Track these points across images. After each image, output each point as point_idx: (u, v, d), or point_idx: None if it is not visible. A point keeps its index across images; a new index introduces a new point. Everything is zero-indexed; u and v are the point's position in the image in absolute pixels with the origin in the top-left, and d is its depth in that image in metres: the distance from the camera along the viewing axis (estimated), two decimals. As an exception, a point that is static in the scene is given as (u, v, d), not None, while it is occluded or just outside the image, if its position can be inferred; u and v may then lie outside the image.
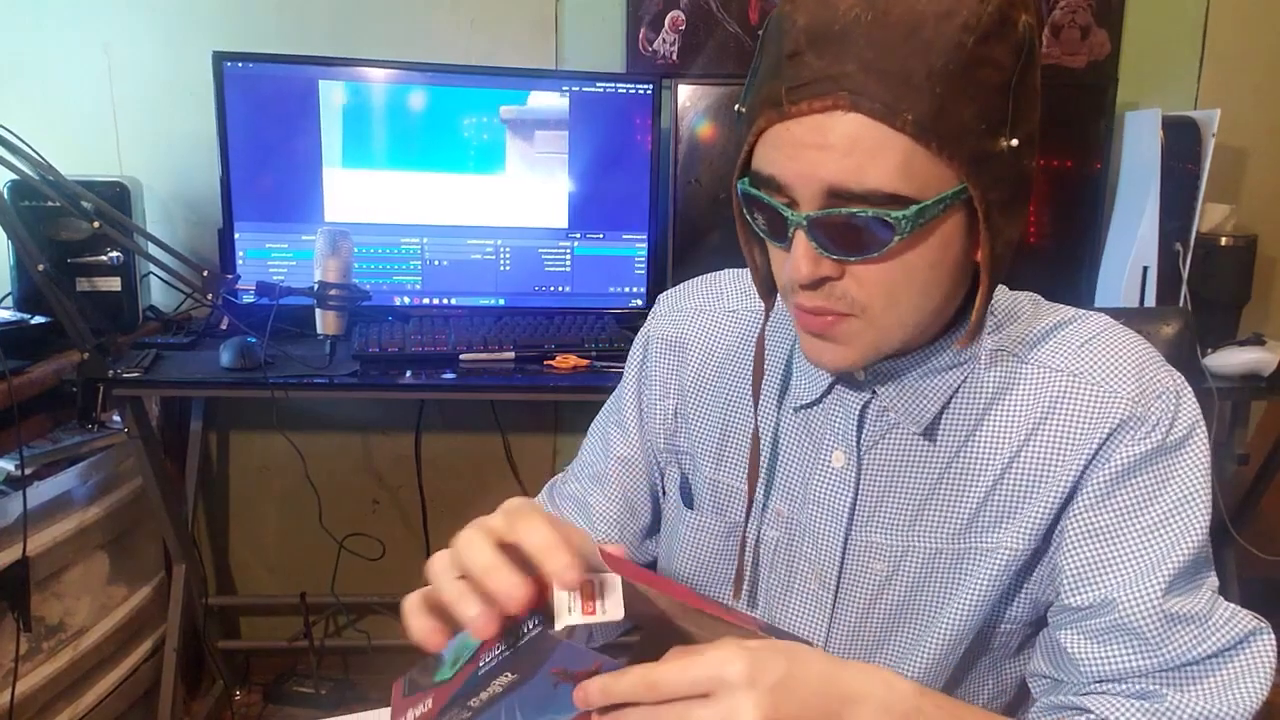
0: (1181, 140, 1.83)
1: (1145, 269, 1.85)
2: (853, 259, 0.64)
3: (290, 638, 2.14)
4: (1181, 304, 1.80)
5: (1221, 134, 1.79)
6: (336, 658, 2.22)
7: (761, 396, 0.82)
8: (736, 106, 0.68)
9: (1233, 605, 0.71)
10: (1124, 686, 0.71)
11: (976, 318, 0.70)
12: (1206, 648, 0.69)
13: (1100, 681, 0.72)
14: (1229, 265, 1.86)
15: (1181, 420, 0.71)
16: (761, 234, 0.69)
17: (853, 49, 0.59)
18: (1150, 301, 1.86)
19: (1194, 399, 0.73)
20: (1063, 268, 1.95)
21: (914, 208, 0.61)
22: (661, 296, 0.93)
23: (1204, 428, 0.72)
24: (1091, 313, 0.78)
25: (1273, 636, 0.70)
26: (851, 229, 0.63)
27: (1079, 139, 1.93)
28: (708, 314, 0.88)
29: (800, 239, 0.64)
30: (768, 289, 0.75)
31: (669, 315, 0.90)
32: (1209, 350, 1.78)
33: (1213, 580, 0.72)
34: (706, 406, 0.86)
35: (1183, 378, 0.74)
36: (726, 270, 0.91)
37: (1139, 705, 0.69)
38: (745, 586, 0.83)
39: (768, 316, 0.77)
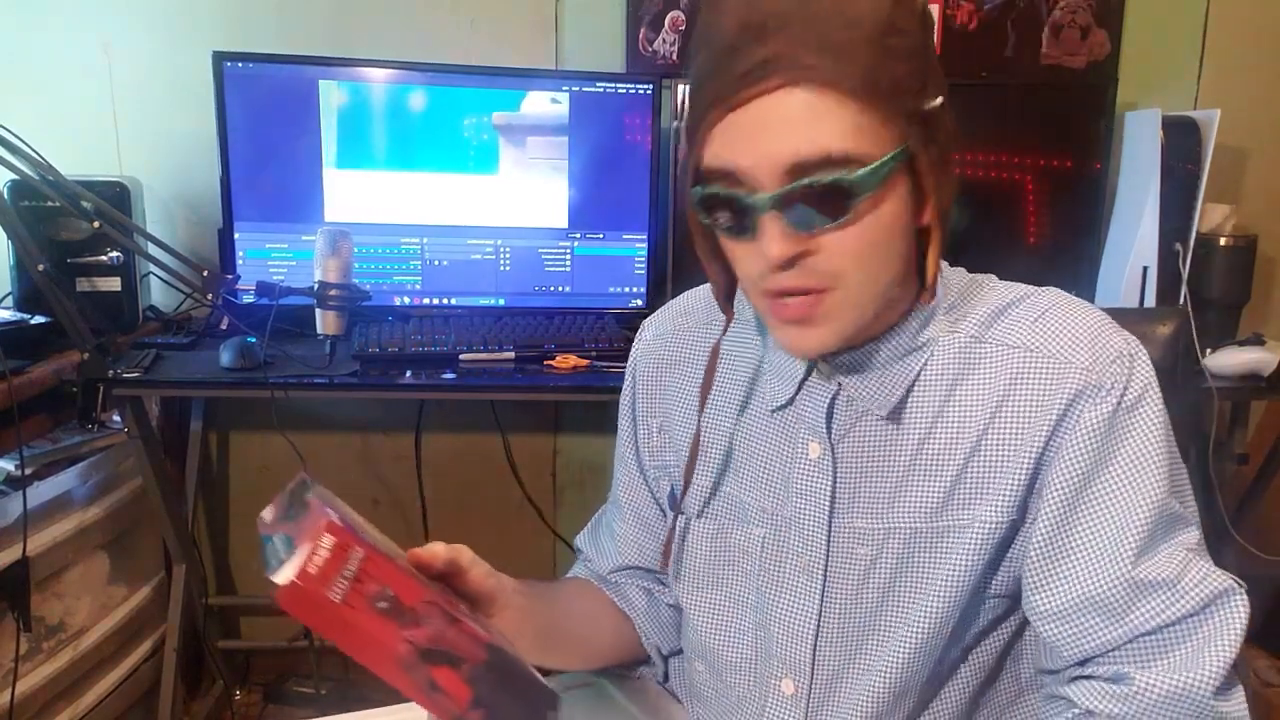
0: (1181, 140, 1.83)
1: (1145, 269, 1.85)
2: (818, 229, 0.67)
3: (290, 638, 2.14)
4: (1181, 304, 1.80)
5: (1221, 134, 1.79)
6: (336, 658, 2.22)
7: (738, 401, 0.85)
8: (675, 124, 0.73)
9: (1207, 565, 0.72)
10: (1100, 668, 0.72)
11: (933, 271, 0.74)
12: (1175, 612, 0.70)
13: (1080, 664, 0.74)
14: (1229, 265, 1.86)
15: (1136, 381, 0.73)
16: (725, 233, 0.71)
17: (787, 31, 0.64)
18: (1150, 301, 1.86)
19: (1148, 361, 0.75)
20: (1063, 268, 1.95)
21: (869, 166, 0.65)
22: (645, 323, 0.97)
23: (1158, 389, 0.74)
24: (1043, 288, 0.80)
25: (1244, 597, 0.71)
26: (816, 198, 0.66)
27: (1079, 139, 1.93)
28: (685, 331, 0.92)
29: (768, 220, 0.67)
30: (727, 301, 0.79)
31: (652, 340, 0.94)
32: (1209, 350, 1.78)
33: (1188, 537, 0.73)
34: (689, 419, 0.88)
35: (1137, 340, 0.76)
36: (703, 285, 0.93)
37: (1112, 689, 0.71)
38: (742, 590, 0.85)
39: (726, 328, 0.81)
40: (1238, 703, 0.70)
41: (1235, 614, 0.70)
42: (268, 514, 0.62)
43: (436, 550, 0.70)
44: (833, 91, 0.64)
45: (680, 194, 1.89)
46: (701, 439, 0.86)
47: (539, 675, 0.66)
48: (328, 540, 0.56)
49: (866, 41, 0.64)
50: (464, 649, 0.61)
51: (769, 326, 0.75)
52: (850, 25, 0.64)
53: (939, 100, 0.68)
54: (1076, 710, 0.72)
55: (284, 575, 0.54)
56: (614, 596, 0.96)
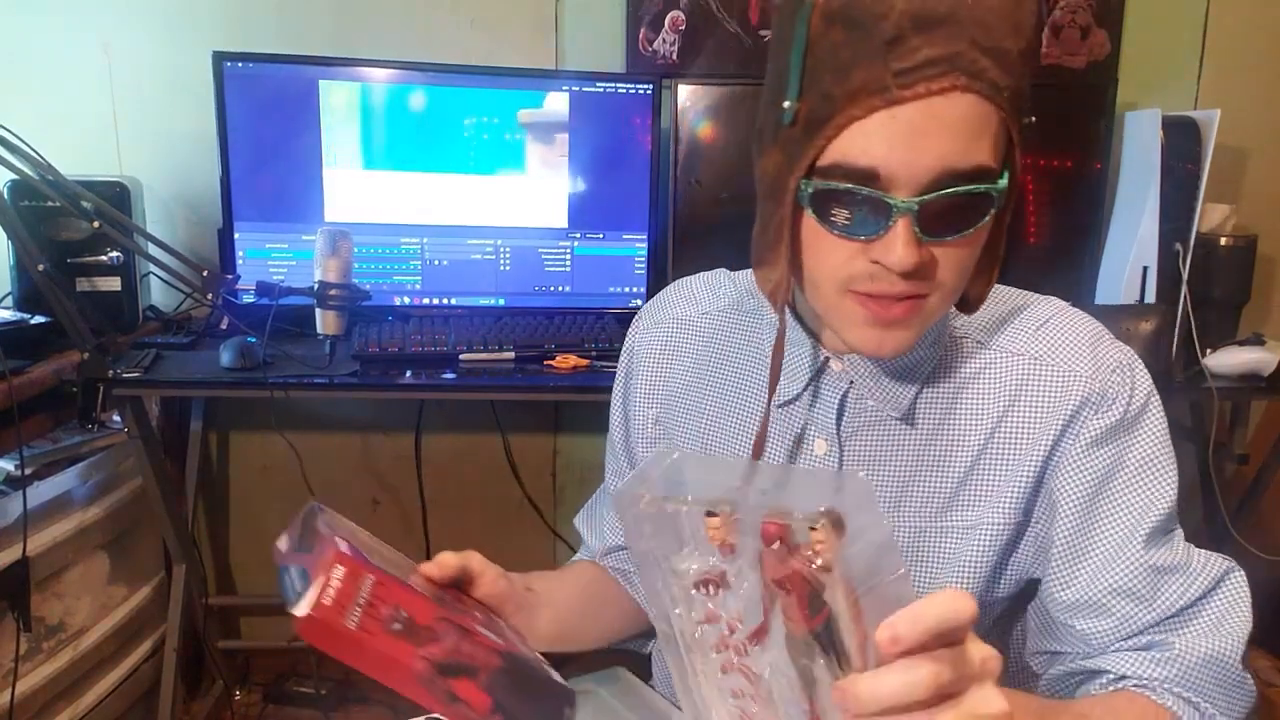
0: (1181, 140, 1.83)
1: (1145, 269, 1.85)
2: (950, 238, 0.65)
3: (290, 638, 2.13)
4: (1181, 304, 1.80)
5: (1221, 134, 1.79)
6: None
7: (745, 394, 0.85)
8: (786, 104, 0.65)
9: (1201, 550, 0.77)
10: (1130, 643, 0.75)
11: (988, 290, 0.74)
12: (1194, 593, 0.74)
13: (1109, 642, 0.76)
14: (1229, 265, 1.86)
15: (1139, 391, 0.76)
16: (839, 230, 0.66)
17: (963, 30, 0.60)
18: (1150, 301, 1.86)
19: (1145, 372, 0.77)
20: (1063, 268, 1.95)
21: (1003, 181, 0.65)
22: (642, 310, 0.96)
23: (1158, 397, 0.77)
24: (1041, 296, 0.82)
25: (1243, 572, 0.76)
26: (958, 208, 0.64)
27: (1079, 139, 1.93)
28: (685, 321, 0.91)
29: (903, 225, 0.63)
30: (785, 297, 0.73)
31: (649, 329, 0.93)
32: (1209, 350, 1.78)
33: (1180, 531, 0.78)
34: (690, 410, 0.88)
35: (1133, 352, 0.78)
36: (697, 274, 0.94)
37: (1149, 655, 0.74)
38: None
39: (784, 322, 0.75)
40: (1250, 679, 0.75)
41: (1242, 587, 0.76)
42: (282, 544, 0.64)
43: (446, 561, 0.71)
44: (992, 100, 0.62)
45: (680, 192, 1.89)
46: (712, 431, 0.86)
47: (555, 674, 0.68)
48: (339, 571, 0.58)
49: (1022, 54, 0.63)
50: (479, 659, 0.63)
51: (840, 325, 0.71)
52: (1016, 32, 0.62)
53: (1032, 119, 0.67)
54: (1110, 675, 0.75)
55: (301, 608, 0.57)
56: (618, 579, 0.98)
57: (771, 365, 0.76)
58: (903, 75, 0.60)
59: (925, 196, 0.63)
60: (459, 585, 0.73)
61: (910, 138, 0.61)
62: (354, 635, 0.58)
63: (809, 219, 0.67)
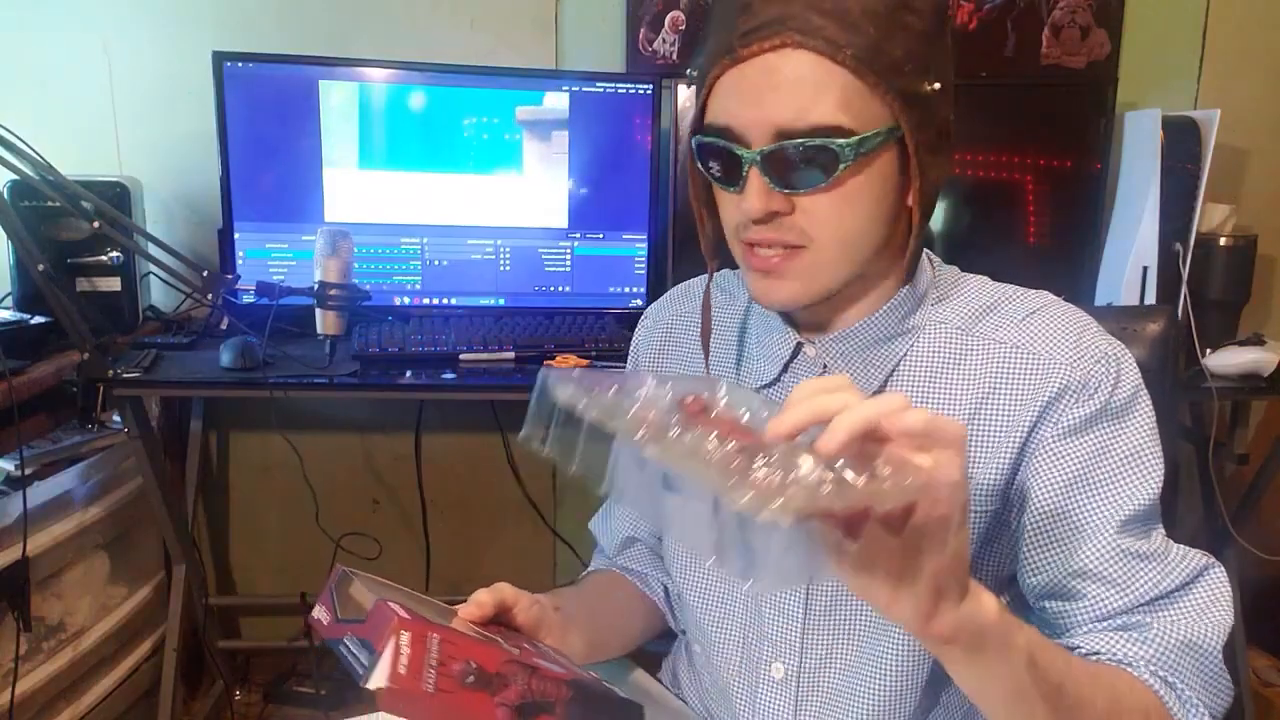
0: (1181, 140, 1.83)
1: (1145, 269, 1.85)
2: (801, 191, 0.70)
3: (290, 638, 2.14)
4: (1181, 304, 1.80)
5: (1221, 134, 1.79)
6: (336, 658, 2.22)
7: (724, 375, 0.86)
8: (689, 71, 0.75)
9: (1181, 545, 0.76)
10: (1103, 624, 0.74)
11: (913, 249, 0.76)
12: (1170, 583, 0.73)
13: (1081, 623, 0.75)
14: (1229, 265, 1.86)
15: (1124, 385, 0.75)
16: (716, 181, 0.74)
17: None
18: (1150, 301, 1.85)
19: (1134, 365, 0.77)
20: (1062, 268, 1.95)
21: (855, 138, 0.68)
22: (646, 311, 0.99)
23: (1147, 393, 0.77)
24: (1032, 290, 0.82)
25: (1223, 569, 0.75)
26: (800, 162, 0.69)
27: (1079, 139, 1.93)
28: (680, 318, 0.94)
29: (754, 175, 0.70)
30: (713, 250, 0.82)
31: (650, 329, 0.96)
32: (1209, 350, 1.78)
33: (1161, 529, 0.77)
34: None
35: (1123, 346, 0.77)
36: (699, 276, 0.95)
37: (1125, 636, 0.73)
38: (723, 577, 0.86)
39: (711, 275, 0.83)
40: (1228, 677, 0.74)
41: (1222, 583, 0.75)
42: (322, 615, 0.65)
43: (482, 600, 0.72)
44: (831, 58, 0.66)
45: (680, 191, 1.89)
46: None
47: (618, 691, 0.69)
48: (405, 636, 0.59)
49: (876, 15, 0.67)
50: (551, 693, 0.63)
51: (744, 274, 0.78)
52: None
53: (937, 85, 0.70)
54: (1082, 650, 0.74)
55: (376, 681, 0.57)
56: (637, 582, 0.99)
57: (702, 318, 0.82)
58: (744, 36, 0.68)
59: (767, 147, 0.69)
60: (496, 618, 0.74)
61: (752, 93, 0.69)
62: (434, 698, 0.59)
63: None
